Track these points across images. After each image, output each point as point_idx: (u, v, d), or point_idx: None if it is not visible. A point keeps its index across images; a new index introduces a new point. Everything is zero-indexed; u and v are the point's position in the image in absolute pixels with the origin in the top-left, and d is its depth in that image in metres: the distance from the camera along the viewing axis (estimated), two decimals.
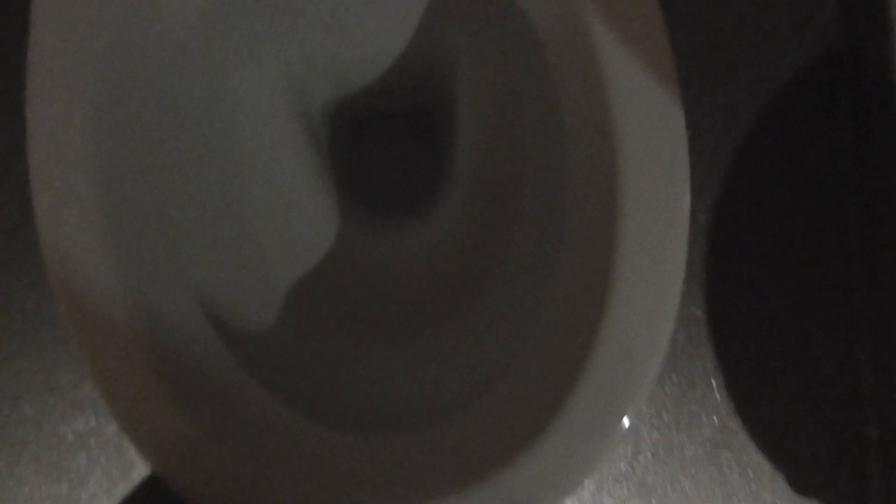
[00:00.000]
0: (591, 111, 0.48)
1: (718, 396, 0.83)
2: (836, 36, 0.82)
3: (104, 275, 0.46)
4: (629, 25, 0.47)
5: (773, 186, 0.83)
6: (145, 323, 0.47)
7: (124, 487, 0.83)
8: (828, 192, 0.82)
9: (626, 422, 0.47)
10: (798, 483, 0.84)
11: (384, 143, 0.66)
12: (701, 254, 0.83)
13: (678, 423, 0.83)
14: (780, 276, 0.83)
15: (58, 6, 0.47)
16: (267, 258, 0.59)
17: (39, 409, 0.83)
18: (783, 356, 0.83)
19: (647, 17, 0.47)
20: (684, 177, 0.47)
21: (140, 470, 0.82)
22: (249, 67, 0.61)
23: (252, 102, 0.61)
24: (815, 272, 0.83)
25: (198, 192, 0.56)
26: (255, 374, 0.51)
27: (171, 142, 0.53)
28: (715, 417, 0.83)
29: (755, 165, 0.83)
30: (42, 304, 0.83)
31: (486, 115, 0.60)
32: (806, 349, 0.83)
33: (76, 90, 0.46)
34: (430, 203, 0.64)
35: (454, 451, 0.47)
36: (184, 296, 0.50)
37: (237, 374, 0.50)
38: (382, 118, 0.66)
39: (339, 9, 0.61)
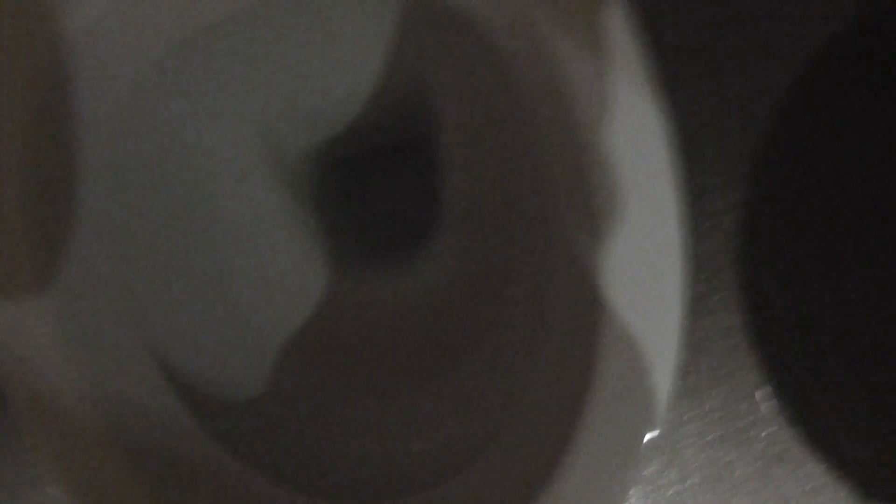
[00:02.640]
0: (565, 126, 0.45)
1: (764, 408, 0.77)
2: (857, 10, 0.77)
3: (57, 363, 0.43)
4: (595, 46, 0.44)
5: (802, 178, 0.78)
6: (107, 408, 0.44)
7: None
8: (863, 177, 0.77)
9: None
10: (865, 491, 0.78)
11: (365, 185, 0.63)
12: (729, 259, 0.77)
13: (724, 441, 0.78)
14: (824, 272, 0.77)
15: None
16: (247, 318, 0.56)
17: None
18: (835, 358, 0.77)
19: (619, 39, 0.44)
20: (670, 174, 0.44)
21: None
22: (217, 120, 0.58)
23: (224, 157, 0.58)
24: (865, 263, 0.77)
25: (167, 257, 0.53)
26: (236, 447, 0.47)
27: (123, 203, 0.50)
28: (764, 431, 0.77)
29: (781, 158, 0.78)
30: None
31: (469, 149, 0.57)
32: (862, 348, 0.77)
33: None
34: (417, 247, 0.60)
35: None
36: (149, 373, 0.47)
37: (212, 450, 0.46)
38: (362, 160, 0.63)
39: (307, 53, 0.58)
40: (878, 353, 0.76)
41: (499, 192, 0.55)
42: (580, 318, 0.45)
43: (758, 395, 0.77)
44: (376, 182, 0.63)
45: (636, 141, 0.44)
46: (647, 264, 0.44)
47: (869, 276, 0.75)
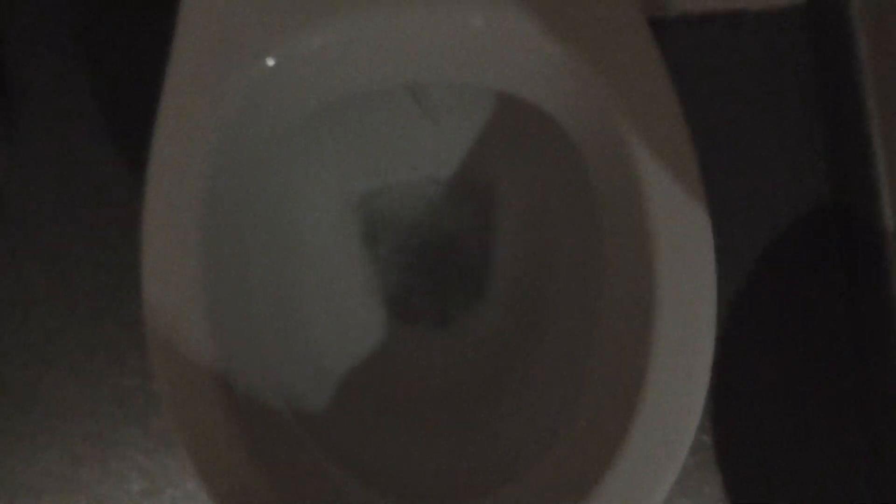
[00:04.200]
0: (630, 213, 0.54)
1: None
2: (827, 190, 0.91)
3: (199, 343, 0.50)
4: (660, 138, 0.54)
5: (771, 325, 0.89)
6: (230, 386, 0.51)
7: None
8: (822, 329, 0.89)
9: None
10: None
11: (429, 256, 0.73)
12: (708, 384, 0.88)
13: None
14: (782, 407, 0.88)
15: (179, 107, 0.54)
16: (319, 351, 0.64)
17: None
18: (786, 481, 0.87)
19: (675, 130, 0.54)
20: (712, 278, 0.52)
21: None
22: (320, 181, 0.69)
23: (317, 209, 0.69)
24: (814, 404, 0.87)
25: (265, 283, 0.62)
26: (321, 445, 0.55)
27: (251, 236, 0.60)
28: None
29: (755, 306, 0.90)
30: (68, 399, 0.86)
31: (527, 227, 0.67)
32: (808, 475, 0.86)
33: (188, 183, 0.53)
34: (468, 307, 0.70)
35: None
36: (259, 368, 0.55)
37: (304, 440, 0.54)
38: (432, 235, 0.73)
39: (397, 136, 0.69)
40: (821, 481, 0.86)
41: (549, 273, 0.66)
42: (615, 388, 0.53)
43: None
44: (440, 252, 0.73)
45: (686, 250, 0.52)
46: (680, 358, 0.51)
47: (823, 415, 0.86)
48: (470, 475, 0.58)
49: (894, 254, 0.81)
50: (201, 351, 0.50)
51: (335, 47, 0.57)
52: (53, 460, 0.85)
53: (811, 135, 0.91)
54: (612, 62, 0.55)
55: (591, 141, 0.58)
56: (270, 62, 0.56)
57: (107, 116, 0.91)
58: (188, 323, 0.50)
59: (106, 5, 0.93)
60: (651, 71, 0.55)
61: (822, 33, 0.90)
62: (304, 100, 0.60)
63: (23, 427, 0.86)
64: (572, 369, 0.60)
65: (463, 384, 0.66)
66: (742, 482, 0.87)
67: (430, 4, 0.56)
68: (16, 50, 0.92)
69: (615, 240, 0.57)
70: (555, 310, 0.64)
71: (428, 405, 0.64)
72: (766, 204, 0.91)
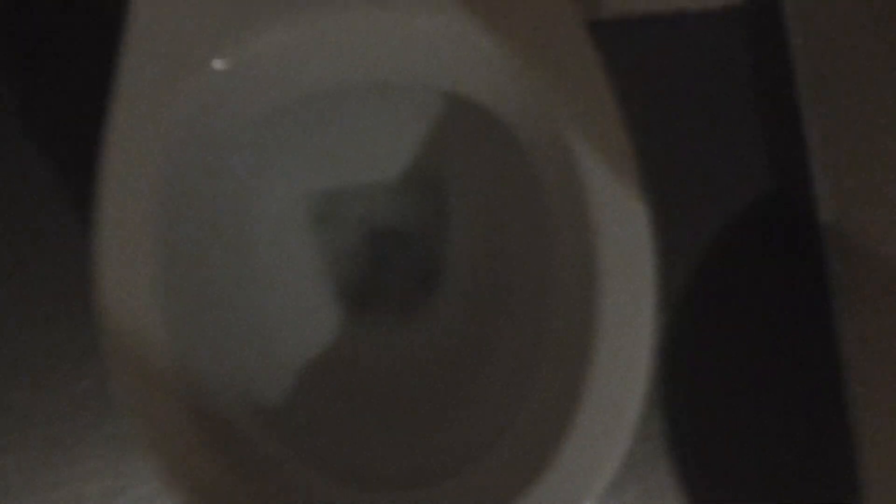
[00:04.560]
0: (573, 208, 0.57)
1: None
2: (767, 183, 0.95)
3: (156, 342, 0.51)
4: (599, 135, 0.57)
5: (720, 313, 0.93)
6: (190, 386, 0.52)
7: None
8: (768, 314, 0.92)
9: None
10: None
11: (384, 251, 0.74)
12: (658, 373, 0.91)
13: None
14: (732, 394, 0.91)
15: (130, 110, 0.55)
16: (277, 345, 0.66)
17: None
18: (738, 469, 0.90)
19: (612, 126, 0.57)
20: (651, 266, 0.55)
21: None
22: (276, 178, 0.70)
23: (272, 211, 0.70)
24: (763, 389, 0.91)
25: (221, 281, 0.63)
26: (281, 438, 0.56)
27: (206, 236, 0.61)
28: None
29: (705, 294, 0.93)
30: (24, 405, 0.86)
31: (478, 222, 0.70)
32: (759, 464, 0.89)
33: (140, 185, 0.54)
34: (424, 301, 0.71)
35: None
36: (217, 364, 0.56)
37: (264, 433, 0.55)
38: (384, 230, 0.75)
39: (353, 135, 0.71)
40: (776, 474, 0.89)
41: (501, 266, 0.68)
42: (563, 376, 0.56)
43: (670, 495, 0.88)
44: (394, 248, 0.74)
45: (626, 241, 0.55)
46: (622, 350, 0.53)
47: (778, 401, 0.89)
48: (423, 465, 0.60)
49: (829, 241, 0.85)
50: (158, 350, 0.51)
51: (283, 50, 0.59)
52: (10, 467, 0.85)
53: (751, 131, 0.95)
54: (551, 64, 0.58)
55: (535, 140, 0.60)
56: (220, 65, 0.57)
57: (55, 118, 0.91)
58: (143, 322, 0.51)
59: (54, 9, 0.93)
60: (589, 72, 0.57)
61: (757, 32, 0.94)
62: (255, 102, 0.62)
63: None
64: (523, 361, 0.62)
65: (418, 375, 0.68)
66: (693, 471, 0.90)
67: (376, 7, 0.58)
68: None
69: (561, 233, 0.59)
70: (507, 301, 0.67)
71: (383, 396, 0.66)
72: (709, 199, 0.94)
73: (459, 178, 0.72)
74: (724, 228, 0.93)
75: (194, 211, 0.58)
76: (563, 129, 0.57)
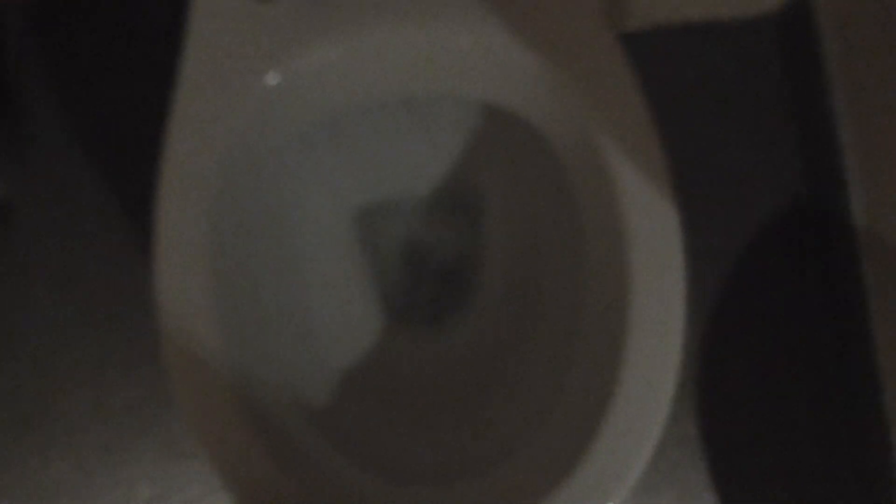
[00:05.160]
0: (605, 215, 0.58)
1: None
2: (801, 189, 0.95)
3: (212, 346, 0.54)
4: (631, 143, 0.58)
5: (754, 316, 0.94)
6: (243, 387, 0.55)
7: None
8: (802, 318, 0.93)
9: None
10: None
11: (423, 261, 0.77)
12: (693, 377, 0.92)
13: None
14: (767, 398, 0.92)
15: (188, 124, 0.57)
16: (324, 351, 0.68)
17: None
18: (774, 472, 0.90)
19: (644, 134, 0.58)
20: (681, 270, 0.57)
21: None
22: (318, 195, 0.72)
23: (318, 220, 0.72)
24: (798, 392, 0.91)
25: (272, 290, 0.65)
26: (329, 437, 0.58)
27: (257, 246, 0.63)
28: None
29: (736, 299, 0.94)
30: (78, 410, 0.89)
31: (512, 228, 0.72)
32: (795, 466, 0.90)
33: (197, 198, 0.56)
34: (458, 308, 0.74)
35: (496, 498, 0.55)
36: (270, 370, 0.59)
37: (313, 435, 0.57)
38: (424, 241, 0.77)
39: (393, 149, 0.73)
40: (809, 473, 0.90)
41: (534, 272, 0.70)
42: (594, 378, 0.57)
43: (706, 496, 0.89)
44: (433, 259, 0.76)
45: (657, 245, 0.56)
46: (652, 352, 0.55)
47: (808, 403, 0.90)
48: (458, 463, 0.62)
49: (863, 246, 0.86)
50: (216, 356, 0.53)
51: (330, 65, 0.61)
52: (64, 470, 0.88)
53: (784, 137, 0.96)
54: (585, 75, 0.59)
55: (569, 148, 0.62)
56: (272, 80, 0.59)
57: (116, 131, 0.94)
58: (200, 329, 0.54)
59: (113, 28, 0.96)
60: (620, 79, 0.59)
61: (791, 40, 0.95)
62: (303, 116, 0.64)
63: (34, 438, 0.88)
64: (556, 367, 0.64)
65: (455, 380, 0.70)
66: (729, 472, 0.90)
67: (423, 25, 0.60)
68: (25, 68, 0.95)
69: (594, 241, 0.61)
70: (541, 309, 0.68)
71: (423, 399, 0.69)
72: (743, 204, 0.95)
73: (493, 186, 0.74)
74: (758, 233, 0.94)
75: (245, 223, 0.61)
76: (595, 136, 0.59)
